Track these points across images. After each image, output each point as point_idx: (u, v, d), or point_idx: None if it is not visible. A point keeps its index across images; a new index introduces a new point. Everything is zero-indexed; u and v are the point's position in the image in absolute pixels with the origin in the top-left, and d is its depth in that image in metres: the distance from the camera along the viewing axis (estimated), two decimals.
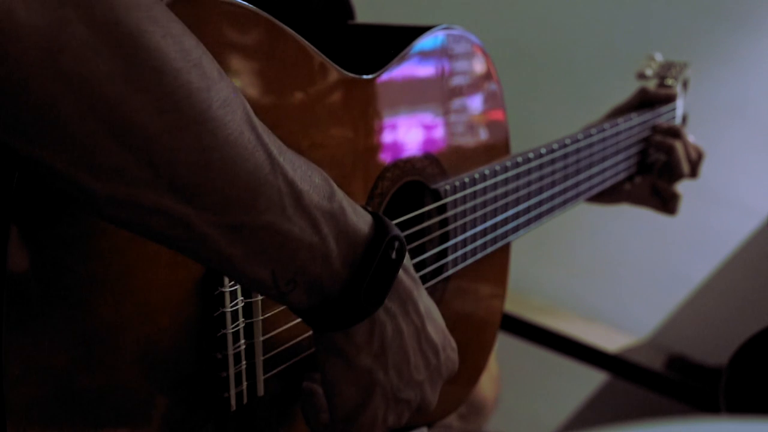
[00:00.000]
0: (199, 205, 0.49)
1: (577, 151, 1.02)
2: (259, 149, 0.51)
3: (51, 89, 0.43)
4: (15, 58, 0.42)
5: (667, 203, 1.22)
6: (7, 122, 0.44)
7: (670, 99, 1.25)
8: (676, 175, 1.20)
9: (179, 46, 0.47)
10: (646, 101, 1.24)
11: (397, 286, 0.61)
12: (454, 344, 0.69)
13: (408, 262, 0.63)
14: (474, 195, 0.85)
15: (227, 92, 0.49)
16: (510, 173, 0.90)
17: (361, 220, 0.58)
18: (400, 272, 0.61)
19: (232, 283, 0.60)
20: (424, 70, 0.82)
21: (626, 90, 1.27)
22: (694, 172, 1.23)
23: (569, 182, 1.02)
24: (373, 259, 0.58)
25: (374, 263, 0.58)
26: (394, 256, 0.59)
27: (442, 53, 0.84)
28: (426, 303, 0.65)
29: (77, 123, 0.44)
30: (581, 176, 1.04)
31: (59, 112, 0.44)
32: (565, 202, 1.02)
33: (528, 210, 0.95)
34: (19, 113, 0.44)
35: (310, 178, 0.55)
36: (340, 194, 0.57)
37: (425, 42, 0.81)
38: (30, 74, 0.43)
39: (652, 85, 1.27)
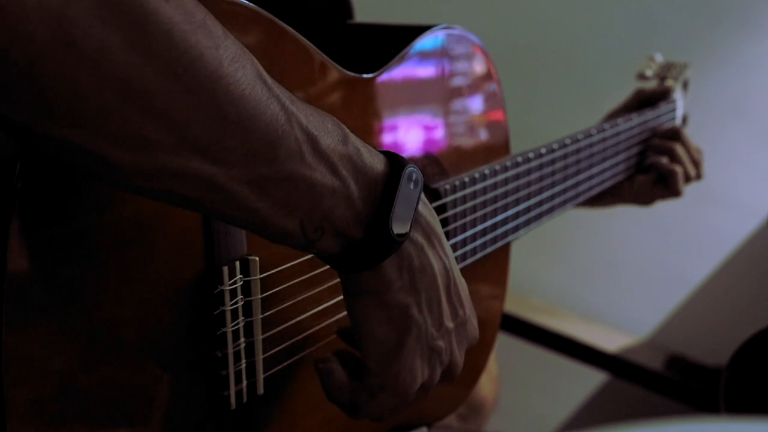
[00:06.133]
0: (222, 163, 0.50)
1: (577, 151, 1.02)
2: (273, 101, 0.52)
3: (66, 64, 0.43)
4: (26, 36, 0.42)
5: (667, 183, 1.20)
6: (25, 103, 0.44)
7: (666, 94, 1.24)
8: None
9: (182, 9, 0.47)
10: (643, 101, 1.24)
11: (419, 217, 0.62)
12: (473, 312, 0.69)
13: (425, 198, 0.64)
14: (474, 195, 0.85)
15: (235, 49, 0.50)
16: (510, 173, 0.90)
17: (375, 159, 0.59)
18: (420, 204, 0.62)
19: (232, 281, 0.61)
20: (424, 69, 0.82)
21: (626, 91, 1.27)
22: (698, 174, 1.22)
23: (569, 182, 1.02)
24: (394, 193, 0.59)
25: (395, 196, 0.59)
26: (412, 186, 0.60)
27: (442, 53, 0.84)
28: (448, 248, 0.65)
29: (95, 95, 0.44)
30: (581, 176, 1.04)
31: (76, 86, 0.44)
32: (564, 202, 1.02)
33: (528, 210, 0.95)
34: (35, 92, 0.43)
35: (323, 124, 0.56)
36: (352, 137, 0.58)
37: (425, 42, 0.81)
38: (43, 52, 0.42)
39: (652, 86, 1.27)
